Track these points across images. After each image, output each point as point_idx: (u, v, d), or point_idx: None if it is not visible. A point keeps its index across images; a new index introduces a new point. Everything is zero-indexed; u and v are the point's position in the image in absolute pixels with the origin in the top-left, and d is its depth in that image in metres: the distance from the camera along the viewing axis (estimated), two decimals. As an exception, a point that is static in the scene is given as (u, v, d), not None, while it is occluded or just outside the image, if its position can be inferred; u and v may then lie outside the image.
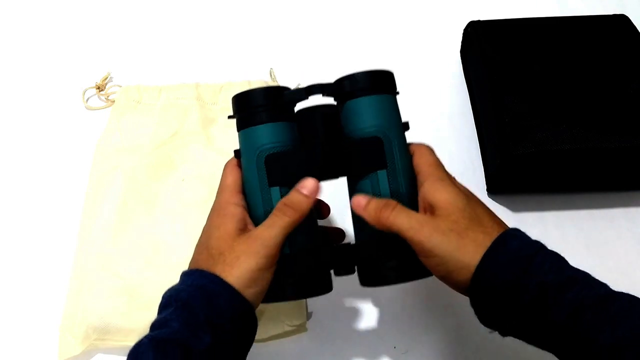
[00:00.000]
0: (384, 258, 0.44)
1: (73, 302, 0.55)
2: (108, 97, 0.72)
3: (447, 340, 0.55)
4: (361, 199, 0.43)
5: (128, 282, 0.55)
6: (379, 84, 0.46)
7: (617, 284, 0.38)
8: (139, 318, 0.53)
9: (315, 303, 0.57)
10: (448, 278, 0.41)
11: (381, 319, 0.56)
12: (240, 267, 0.40)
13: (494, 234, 0.39)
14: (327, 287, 0.46)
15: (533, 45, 0.66)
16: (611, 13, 0.70)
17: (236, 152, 0.46)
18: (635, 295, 0.37)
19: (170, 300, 0.39)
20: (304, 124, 0.46)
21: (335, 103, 0.47)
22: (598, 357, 0.34)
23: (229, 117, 0.47)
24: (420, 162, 0.44)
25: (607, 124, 0.59)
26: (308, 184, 0.43)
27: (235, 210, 0.43)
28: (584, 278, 0.38)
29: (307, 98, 0.46)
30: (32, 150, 0.68)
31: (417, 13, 0.82)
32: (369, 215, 0.42)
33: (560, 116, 0.59)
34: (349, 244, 0.46)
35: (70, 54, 0.77)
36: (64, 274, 0.57)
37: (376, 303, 0.57)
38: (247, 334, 0.41)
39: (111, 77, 0.74)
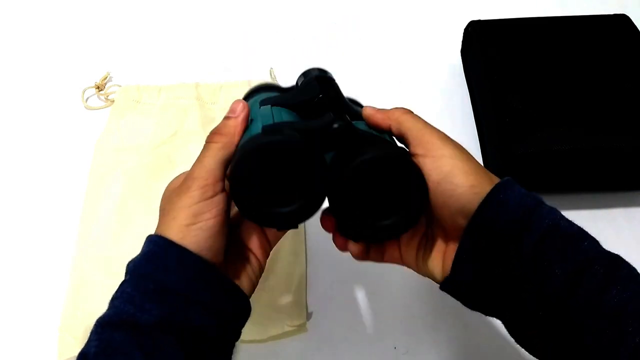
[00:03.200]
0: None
1: (72, 303, 0.55)
2: (107, 96, 0.72)
3: (447, 340, 0.55)
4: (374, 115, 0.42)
5: (128, 282, 0.55)
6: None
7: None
8: (139, 318, 0.52)
9: (315, 303, 0.57)
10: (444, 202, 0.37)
11: (381, 319, 0.56)
12: (178, 211, 0.36)
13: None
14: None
15: (533, 45, 0.66)
16: (612, 13, 0.70)
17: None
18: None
19: (124, 275, 0.37)
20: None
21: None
22: (601, 316, 0.32)
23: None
24: (410, 129, 0.40)
25: (607, 124, 0.59)
26: (233, 106, 0.41)
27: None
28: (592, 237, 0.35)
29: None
30: (32, 150, 0.68)
31: (417, 13, 0.82)
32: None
33: (560, 116, 0.59)
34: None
35: (70, 54, 0.77)
36: (64, 273, 0.57)
37: (376, 303, 0.57)
38: (212, 293, 0.36)
39: (110, 77, 0.74)
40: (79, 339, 0.53)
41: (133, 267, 0.37)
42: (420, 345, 0.54)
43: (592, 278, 0.33)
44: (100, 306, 0.53)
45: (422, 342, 0.54)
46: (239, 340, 0.54)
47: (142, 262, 0.36)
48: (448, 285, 0.39)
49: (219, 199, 0.38)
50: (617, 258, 0.34)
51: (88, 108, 0.71)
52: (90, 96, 0.73)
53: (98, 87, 0.72)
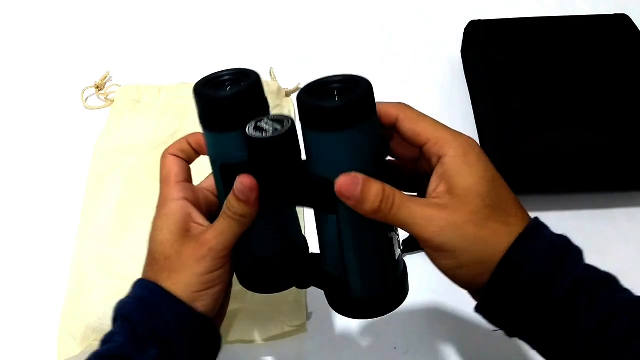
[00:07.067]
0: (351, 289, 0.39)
1: (72, 303, 0.55)
2: (107, 96, 0.72)
3: (447, 340, 0.55)
4: (352, 188, 0.35)
5: (127, 282, 0.54)
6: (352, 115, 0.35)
7: (618, 285, 0.37)
8: (139, 318, 0.52)
9: (315, 303, 0.57)
10: (458, 274, 0.36)
11: (381, 319, 0.55)
12: (187, 273, 0.38)
13: (519, 224, 0.35)
14: (288, 286, 0.44)
15: (534, 45, 0.66)
16: (612, 13, 0.70)
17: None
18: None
19: (117, 314, 0.39)
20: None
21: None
22: None
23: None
24: (423, 130, 0.38)
25: (607, 123, 0.59)
26: (242, 187, 0.37)
27: (174, 207, 0.40)
28: (616, 279, 0.34)
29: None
30: (31, 150, 0.68)
31: (417, 13, 0.82)
32: (364, 212, 0.35)
33: (560, 116, 0.59)
34: (317, 254, 0.41)
35: (70, 54, 0.77)
36: (64, 274, 0.57)
37: (376, 303, 0.57)
38: (203, 343, 0.39)
39: (110, 77, 0.74)
40: (78, 340, 0.53)
41: (128, 311, 0.38)
42: (420, 345, 0.54)
43: (618, 330, 0.32)
44: (99, 306, 0.54)
45: (422, 342, 0.54)
46: (240, 340, 0.54)
47: (135, 307, 0.38)
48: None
49: (228, 266, 0.40)
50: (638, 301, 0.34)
51: (88, 108, 0.71)
52: (90, 96, 0.73)
53: (98, 87, 0.72)
